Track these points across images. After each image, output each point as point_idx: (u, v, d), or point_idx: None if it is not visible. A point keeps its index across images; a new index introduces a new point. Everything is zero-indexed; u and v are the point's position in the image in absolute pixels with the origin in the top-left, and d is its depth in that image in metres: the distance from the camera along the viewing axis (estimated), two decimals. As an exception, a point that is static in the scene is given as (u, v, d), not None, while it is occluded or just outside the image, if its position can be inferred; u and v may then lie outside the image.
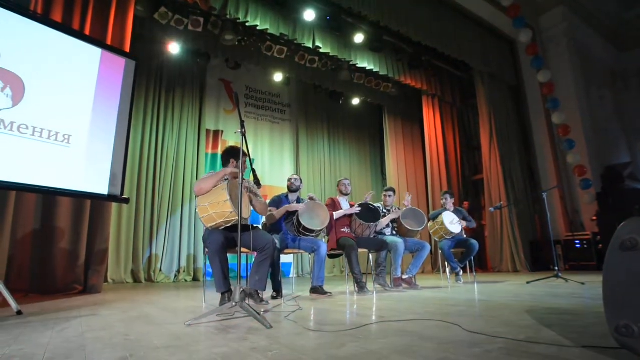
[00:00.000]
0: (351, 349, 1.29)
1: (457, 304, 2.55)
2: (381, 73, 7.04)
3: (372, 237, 3.87)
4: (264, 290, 2.67)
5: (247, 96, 7.38)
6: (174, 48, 5.97)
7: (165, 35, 5.58)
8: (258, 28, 5.59)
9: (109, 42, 3.92)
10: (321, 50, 6.21)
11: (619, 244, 1.07)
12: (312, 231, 3.34)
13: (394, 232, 4.25)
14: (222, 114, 6.94)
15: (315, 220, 3.39)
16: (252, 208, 2.87)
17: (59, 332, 1.71)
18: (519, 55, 8.44)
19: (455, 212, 4.75)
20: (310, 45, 6.08)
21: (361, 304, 2.69)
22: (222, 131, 6.87)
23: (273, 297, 3.14)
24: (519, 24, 7.54)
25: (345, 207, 3.87)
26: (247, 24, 5.50)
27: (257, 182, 2.59)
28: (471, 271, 4.96)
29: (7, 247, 3.10)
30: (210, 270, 2.55)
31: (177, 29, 5.54)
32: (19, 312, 2.23)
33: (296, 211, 3.38)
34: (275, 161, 7.42)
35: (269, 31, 5.68)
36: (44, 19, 3.11)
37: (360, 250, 3.64)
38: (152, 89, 6.12)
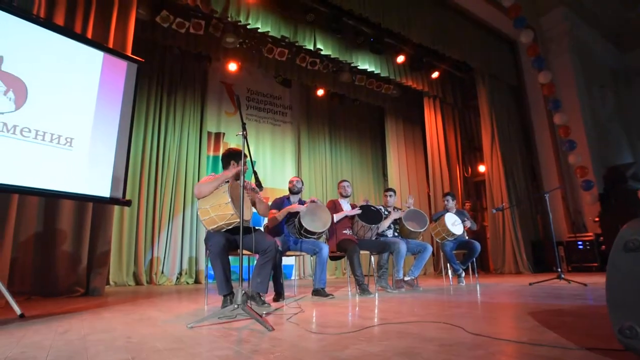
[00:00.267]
0: (353, 351, 1.29)
1: (459, 305, 2.54)
2: (382, 75, 7.05)
3: (373, 238, 3.86)
4: (266, 292, 2.67)
5: (249, 98, 7.40)
6: (176, 51, 5.99)
7: (167, 38, 5.60)
8: (259, 30, 5.60)
9: (110, 45, 3.94)
10: (322, 52, 6.22)
11: (622, 245, 1.07)
12: (313, 233, 3.34)
13: (396, 234, 4.24)
14: (223, 117, 6.95)
15: (317, 222, 3.39)
16: (254, 209, 2.87)
17: (61, 334, 1.71)
18: (520, 56, 8.44)
19: (457, 213, 4.74)
20: (312, 48, 6.10)
21: (363, 306, 2.68)
22: (224, 133, 6.88)
23: (275, 300, 3.14)
24: (519, 24, 7.54)
25: (347, 209, 3.87)
26: (248, 27, 5.52)
27: (258, 184, 2.59)
28: (473, 273, 4.95)
29: (9, 249, 3.11)
30: (212, 272, 2.55)
31: (178, 32, 5.57)
32: (22, 315, 2.24)
33: (298, 213, 3.38)
34: (277, 163, 7.42)
35: (270, 33, 5.70)
36: (47, 23, 3.13)
37: (361, 252, 3.63)
38: (153, 92, 6.14)
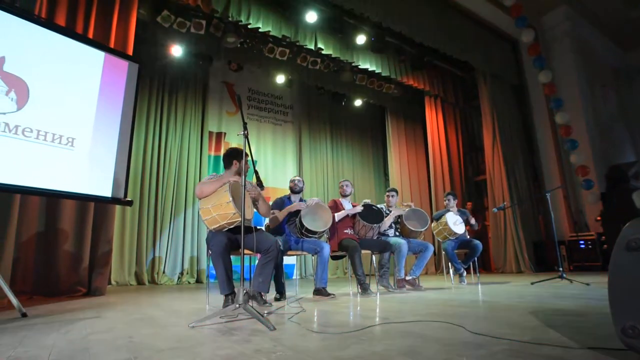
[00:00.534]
0: (355, 350, 1.29)
1: (460, 305, 2.54)
2: (383, 74, 7.04)
3: (375, 238, 3.86)
4: (268, 292, 2.67)
5: (250, 98, 7.40)
6: (177, 51, 6.00)
7: (168, 38, 5.60)
8: (260, 30, 5.60)
9: (112, 45, 3.94)
10: (323, 52, 6.22)
11: (624, 244, 1.06)
12: (314, 232, 3.34)
13: (397, 233, 4.24)
14: (224, 116, 6.96)
15: (318, 221, 3.39)
16: (255, 210, 2.87)
17: (63, 334, 1.71)
18: (522, 55, 8.42)
19: (459, 213, 4.73)
20: (312, 47, 6.10)
21: (364, 305, 2.68)
22: (225, 133, 6.88)
23: (276, 299, 3.14)
24: (521, 23, 7.52)
25: (348, 208, 3.87)
26: (249, 27, 5.52)
27: (259, 184, 2.59)
28: (475, 272, 4.94)
29: (12, 249, 3.12)
30: (213, 272, 2.55)
31: (179, 32, 5.57)
32: (24, 315, 2.24)
33: (299, 213, 3.38)
34: (278, 163, 7.43)
35: (271, 33, 5.70)
36: (48, 23, 3.13)
37: (363, 251, 3.63)
38: (154, 92, 6.15)
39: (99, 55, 3.26)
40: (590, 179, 7.17)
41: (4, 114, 2.59)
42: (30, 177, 2.70)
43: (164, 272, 5.69)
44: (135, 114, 3.52)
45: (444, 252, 4.65)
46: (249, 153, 2.34)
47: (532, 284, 4.15)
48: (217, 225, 2.52)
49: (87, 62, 3.18)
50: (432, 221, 4.84)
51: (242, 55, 6.30)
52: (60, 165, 2.89)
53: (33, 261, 3.46)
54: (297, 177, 3.71)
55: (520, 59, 8.52)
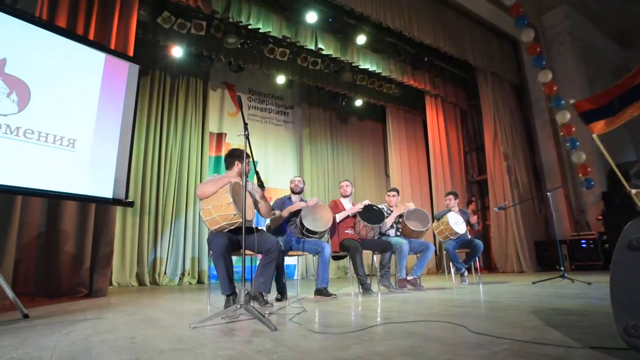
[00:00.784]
0: (356, 350, 1.29)
1: (462, 304, 2.53)
2: (384, 74, 7.04)
3: (376, 238, 3.86)
4: (269, 292, 2.67)
5: (250, 99, 7.41)
6: (177, 52, 6.01)
7: (168, 39, 5.61)
8: (260, 31, 5.61)
9: (112, 46, 3.95)
10: (323, 52, 6.23)
11: (626, 244, 1.06)
12: (315, 233, 3.34)
13: (398, 233, 4.23)
14: (225, 117, 6.96)
15: (319, 221, 3.39)
16: (255, 210, 2.87)
17: (65, 335, 1.72)
18: (522, 54, 8.42)
19: (460, 213, 4.73)
20: (313, 48, 6.10)
21: (366, 305, 2.68)
22: (226, 134, 6.89)
23: (277, 299, 3.14)
24: (521, 23, 7.52)
25: (349, 208, 3.87)
26: (249, 27, 5.53)
27: (260, 184, 2.60)
28: (476, 272, 4.94)
29: (13, 251, 3.12)
30: (214, 272, 2.55)
31: (180, 33, 5.58)
32: (26, 316, 2.25)
33: (299, 213, 3.38)
34: (279, 163, 7.43)
35: (271, 34, 5.70)
36: (49, 25, 3.14)
37: (364, 251, 3.63)
38: (155, 93, 6.16)
39: (99, 56, 3.26)
40: (590, 178, 7.16)
41: (5, 115, 2.60)
42: (32, 178, 2.71)
43: (165, 273, 5.70)
44: (136, 115, 3.52)
45: (445, 252, 4.65)
46: (249, 154, 2.34)
47: (533, 283, 4.15)
48: (218, 226, 2.52)
49: (88, 63, 3.19)
50: (433, 221, 4.84)
51: (243, 56, 6.30)
52: (61, 167, 2.89)
53: (34, 262, 3.47)
54: (298, 178, 3.70)
55: (520, 58, 8.52)
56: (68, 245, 3.63)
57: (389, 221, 4.08)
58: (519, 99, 8.48)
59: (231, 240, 2.55)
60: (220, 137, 6.84)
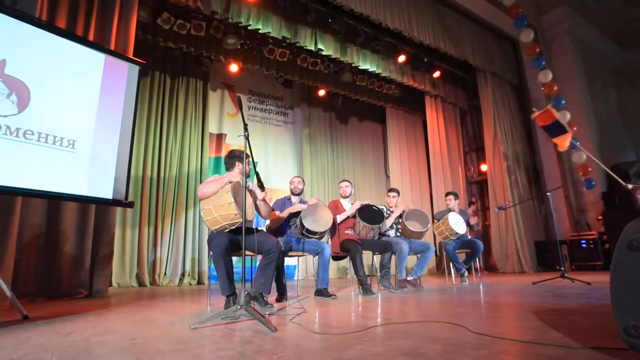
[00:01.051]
0: (356, 351, 1.29)
1: (462, 305, 2.53)
2: (383, 74, 7.04)
3: (376, 238, 3.86)
4: (269, 293, 2.67)
5: (250, 99, 7.41)
6: (177, 52, 6.00)
7: (168, 40, 5.61)
8: (260, 31, 5.61)
9: (112, 47, 3.95)
10: (323, 53, 6.22)
11: (626, 244, 1.06)
12: (315, 233, 3.34)
13: (398, 234, 4.23)
14: (225, 118, 6.96)
15: (319, 222, 3.39)
16: (256, 211, 2.87)
17: (65, 336, 1.71)
18: (522, 55, 8.42)
19: (460, 213, 4.73)
20: (312, 48, 6.10)
21: (366, 306, 2.68)
22: (226, 135, 6.89)
23: (277, 300, 3.14)
24: (520, 23, 7.52)
25: (349, 209, 3.87)
26: (249, 28, 5.53)
27: (260, 185, 2.60)
28: (476, 272, 4.94)
29: (13, 252, 3.12)
30: (214, 273, 2.55)
31: (179, 34, 5.58)
32: (26, 317, 2.25)
33: (299, 213, 3.38)
34: (279, 164, 7.43)
35: (271, 34, 5.70)
36: (49, 26, 3.14)
37: (364, 252, 3.63)
38: (155, 94, 6.15)
39: (99, 57, 3.26)
40: (591, 178, 7.16)
41: (5, 116, 2.60)
42: (32, 179, 2.71)
43: (165, 274, 5.69)
44: (136, 116, 3.52)
45: (445, 252, 4.65)
46: (250, 155, 2.34)
47: (533, 283, 4.14)
48: (219, 226, 2.52)
49: (88, 64, 3.19)
50: (433, 221, 4.85)
51: (242, 57, 6.30)
52: (61, 168, 2.89)
53: (34, 263, 3.47)
54: (297, 178, 3.70)
55: (520, 58, 8.52)
56: (68, 246, 3.63)
57: (388, 221, 4.08)
58: (518, 99, 8.49)
59: (231, 241, 2.55)
60: (220, 137, 6.84)
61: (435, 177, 7.95)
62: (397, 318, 2.03)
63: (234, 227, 2.56)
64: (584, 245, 6.83)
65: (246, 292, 1.96)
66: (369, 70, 6.86)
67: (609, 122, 8.51)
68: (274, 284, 2.84)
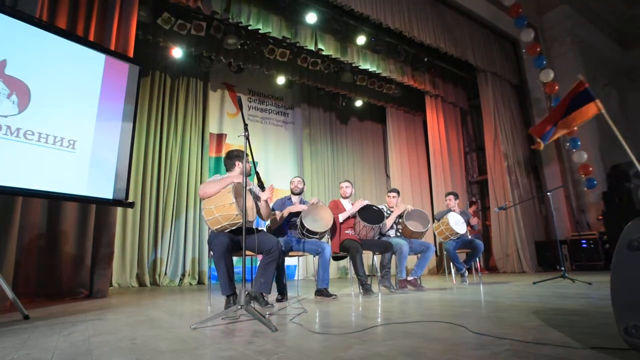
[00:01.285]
0: (357, 351, 1.29)
1: (463, 305, 2.53)
2: (383, 74, 7.05)
3: (376, 238, 3.86)
4: (269, 293, 2.67)
5: (250, 99, 7.41)
6: (177, 52, 6.01)
7: (168, 40, 5.61)
8: (260, 32, 5.61)
9: (112, 47, 3.95)
10: (323, 53, 6.23)
11: (626, 244, 1.06)
12: (315, 233, 3.34)
13: (398, 234, 4.23)
14: (225, 118, 6.96)
15: (319, 222, 3.39)
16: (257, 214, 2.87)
17: (65, 336, 1.72)
18: (522, 55, 8.42)
19: (460, 213, 4.73)
20: (313, 48, 6.10)
21: (366, 306, 2.68)
22: (226, 135, 6.89)
23: (278, 300, 3.14)
24: (520, 23, 7.52)
25: (349, 209, 3.86)
26: (249, 28, 5.53)
27: (260, 185, 2.60)
28: (477, 272, 4.94)
29: (14, 252, 3.12)
30: (215, 273, 2.55)
31: (180, 34, 5.58)
32: (26, 317, 2.25)
33: (299, 213, 3.38)
34: (279, 164, 7.43)
35: (271, 34, 5.71)
36: (49, 26, 3.14)
37: (364, 252, 3.63)
38: (155, 94, 6.16)
39: (99, 57, 3.27)
40: (593, 178, 7.16)
41: (6, 116, 2.60)
42: (32, 179, 2.71)
43: (165, 274, 5.70)
44: (136, 116, 3.52)
45: (445, 252, 4.65)
46: (250, 154, 2.34)
47: (534, 283, 4.14)
48: (220, 226, 2.52)
49: (88, 64, 3.19)
50: (433, 221, 4.84)
51: (243, 57, 6.30)
52: (61, 168, 2.90)
53: (35, 263, 3.47)
54: (297, 178, 3.70)
55: (520, 58, 8.52)
56: (68, 246, 3.64)
57: (389, 221, 4.08)
58: (519, 99, 8.48)
59: (232, 241, 2.55)
60: (220, 137, 6.84)
61: (436, 177, 7.95)
62: (398, 318, 2.03)
63: (234, 228, 2.56)
64: (584, 245, 6.82)
65: (246, 292, 1.96)
66: (369, 70, 6.86)
67: (609, 122, 8.48)
68: (274, 284, 2.84)
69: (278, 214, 3.44)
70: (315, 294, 3.30)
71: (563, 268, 4.33)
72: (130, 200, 3.44)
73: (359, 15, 5.99)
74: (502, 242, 7.37)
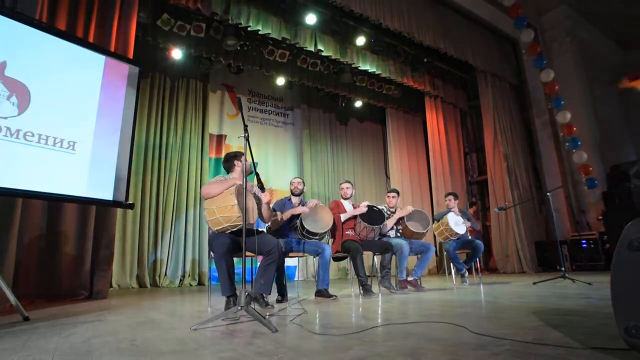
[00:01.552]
0: (357, 352, 1.29)
1: (463, 305, 2.53)
2: (383, 75, 7.05)
3: (376, 239, 3.86)
4: (269, 294, 2.67)
5: (250, 100, 7.41)
6: (177, 54, 6.01)
7: (168, 41, 5.62)
8: (260, 32, 5.61)
9: (112, 49, 3.95)
10: (323, 54, 6.23)
11: (626, 244, 1.06)
12: (315, 234, 3.34)
13: (399, 234, 4.23)
14: (225, 119, 6.97)
15: (319, 223, 3.38)
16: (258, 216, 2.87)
17: (65, 337, 1.71)
18: (522, 55, 8.42)
19: (460, 213, 4.73)
20: (312, 49, 6.10)
21: (366, 306, 2.68)
22: (226, 136, 6.89)
23: (278, 301, 3.14)
24: (520, 24, 7.53)
25: (349, 209, 3.86)
26: (249, 29, 5.53)
27: (260, 186, 2.60)
28: (477, 272, 4.93)
29: (14, 253, 3.12)
30: (215, 274, 2.55)
31: (179, 35, 5.58)
32: (26, 318, 2.25)
33: (299, 214, 3.38)
34: (279, 165, 7.43)
35: (270, 35, 5.71)
36: (49, 27, 3.15)
37: (364, 252, 3.62)
38: (155, 95, 6.16)
39: (99, 58, 3.27)
40: (593, 178, 7.16)
41: (6, 118, 2.60)
42: (32, 180, 2.71)
43: (165, 275, 5.69)
44: (136, 117, 3.52)
45: (445, 253, 4.65)
46: (250, 155, 2.34)
47: (534, 284, 4.14)
48: (221, 226, 2.52)
49: (88, 65, 3.19)
50: (433, 222, 4.84)
51: (242, 58, 6.31)
52: (61, 169, 2.90)
53: (35, 265, 3.47)
54: (297, 179, 3.69)
55: (520, 59, 8.52)
56: (68, 248, 3.63)
57: (389, 223, 4.08)
58: (518, 99, 8.49)
59: (233, 242, 2.55)
60: (220, 138, 6.84)
61: (436, 178, 7.95)
62: (398, 319, 2.02)
63: (235, 229, 2.56)
64: (584, 246, 6.82)
65: (246, 293, 1.96)
66: (369, 71, 6.86)
67: (609, 122, 8.50)
68: (274, 285, 2.84)
69: (278, 215, 3.44)
70: (315, 295, 3.30)
71: (563, 268, 4.33)
72: (130, 201, 3.44)
73: (359, 16, 6.00)
74: (502, 243, 7.37)
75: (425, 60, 7.48)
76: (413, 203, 7.82)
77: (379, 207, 4.00)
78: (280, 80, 7.39)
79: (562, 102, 7.53)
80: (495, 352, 1.21)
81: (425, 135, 8.54)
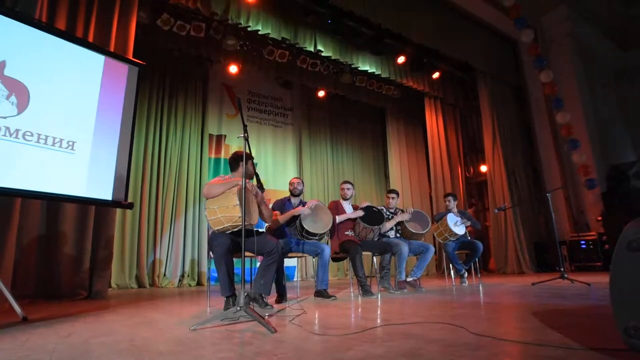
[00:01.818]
0: (356, 352, 1.29)
1: (462, 306, 2.53)
2: (383, 75, 7.04)
3: (375, 239, 3.86)
4: (269, 294, 2.67)
5: (250, 100, 7.41)
6: (177, 54, 6.01)
7: (168, 41, 5.62)
8: (260, 33, 5.61)
9: (112, 48, 3.95)
10: (323, 54, 6.23)
11: (626, 244, 1.06)
12: (314, 234, 3.34)
13: (398, 235, 4.23)
14: (224, 119, 6.96)
15: (318, 223, 3.38)
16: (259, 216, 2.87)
17: (64, 337, 1.71)
18: (521, 56, 8.43)
19: (459, 214, 4.73)
20: (312, 49, 6.10)
21: (366, 307, 2.68)
22: (225, 136, 6.89)
23: (277, 301, 3.14)
24: (520, 24, 7.53)
25: (349, 210, 3.86)
26: (248, 29, 5.53)
27: (260, 186, 2.60)
28: (476, 273, 4.93)
29: (12, 253, 3.12)
30: (214, 274, 2.54)
31: (179, 35, 5.58)
32: (25, 318, 2.24)
33: (299, 215, 3.38)
34: (278, 165, 7.43)
35: (270, 35, 5.71)
36: (48, 27, 3.14)
37: (364, 253, 3.62)
38: (155, 95, 6.16)
39: (99, 58, 3.27)
40: (593, 178, 7.16)
41: (5, 117, 2.60)
42: (31, 180, 2.71)
43: (164, 275, 5.69)
44: (136, 117, 3.52)
45: (444, 253, 4.65)
46: (250, 155, 2.34)
47: (533, 284, 4.14)
48: (222, 226, 2.52)
49: (88, 65, 3.19)
50: (432, 222, 4.84)
51: (242, 58, 6.31)
52: (60, 169, 2.89)
53: (34, 265, 3.46)
54: (297, 179, 3.69)
55: (520, 59, 8.53)
56: (67, 248, 3.63)
57: (389, 225, 4.08)
58: (518, 100, 8.49)
59: (233, 242, 2.55)
60: (219, 139, 6.84)
61: (435, 178, 7.95)
62: (397, 319, 2.02)
63: (236, 229, 2.56)
64: (583, 246, 6.83)
65: (246, 293, 1.96)
66: (369, 71, 6.86)
67: (609, 122, 8.51)
68: (273, 286, 2.84)
69: (278, 214, 3.44)
70: (314, 295, 3.30)
71: (562, 269, 4.33)
72: (129, 201, 3.44)
73: (358, 16, 6.00)
74: (501, 243, 7.37)
75: (424, 60, 7.48)
76: (412, 203, 7.84)
77: (378, 207, 4.00)
78: (280, 81, 7.38)
79: (562, 103, 7.53)
80: (494, 353, 1.21)
81: (425, 136, 8.54)
